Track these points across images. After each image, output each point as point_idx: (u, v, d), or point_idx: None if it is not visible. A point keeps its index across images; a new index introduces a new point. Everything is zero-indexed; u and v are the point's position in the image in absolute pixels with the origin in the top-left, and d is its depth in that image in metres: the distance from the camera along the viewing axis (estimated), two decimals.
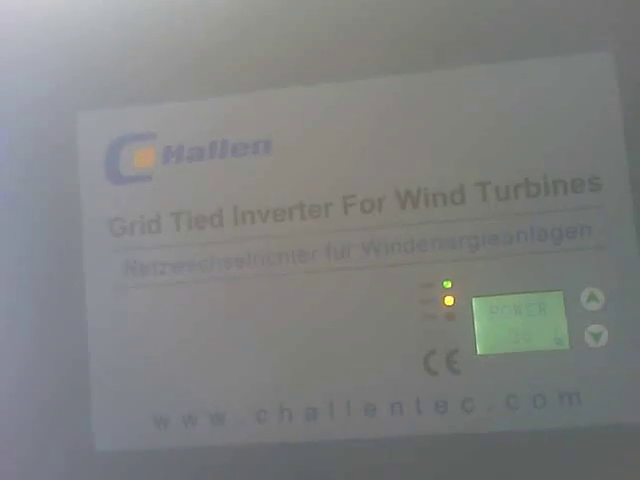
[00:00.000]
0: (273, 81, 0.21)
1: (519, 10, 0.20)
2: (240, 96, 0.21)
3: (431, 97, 0.20)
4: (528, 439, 0.19)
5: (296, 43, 0.21)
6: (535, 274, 0.19)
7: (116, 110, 0.22)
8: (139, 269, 0.21)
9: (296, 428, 0.20)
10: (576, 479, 0.19)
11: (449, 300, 0.19)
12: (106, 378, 0.21)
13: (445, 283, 0.20)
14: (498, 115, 0.20)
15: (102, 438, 0.21)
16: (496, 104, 0.20)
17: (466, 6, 0.20)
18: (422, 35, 0.20)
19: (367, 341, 0.20)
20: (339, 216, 0.20)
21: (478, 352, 0.19)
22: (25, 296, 0.22)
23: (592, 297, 0.19)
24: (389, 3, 0.21)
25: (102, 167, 0.22)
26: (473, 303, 0.19)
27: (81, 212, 0.22)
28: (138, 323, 0.21)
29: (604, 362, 0.19)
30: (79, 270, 0.21)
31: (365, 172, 0.20)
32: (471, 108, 0.20)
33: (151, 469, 0.21)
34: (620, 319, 0.19)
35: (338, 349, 0.20)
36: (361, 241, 0.20)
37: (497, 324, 0.19)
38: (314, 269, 0.20)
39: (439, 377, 0.19)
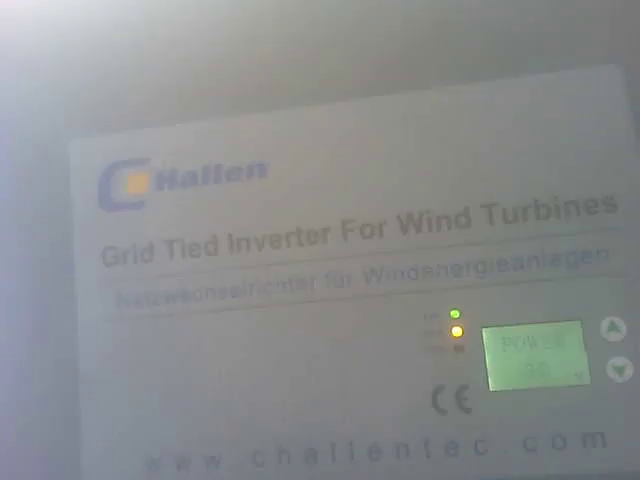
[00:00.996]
0: (268, 103, 0.20)
1: (525, 23, 0.18)
2: (234, 119, 0.20)
3: (433, 116, 0.19)
4: None
5: (291, 64, 0.20)
6: (550, 302, 0.17)
7: (108, 136, 0.21)
8: (132, 300, 0.20)
9: (295, 471, 0.18)
10: None
11: (457, 331, 0.18)
12: (96, 414, 0.19)
13: (452, 312, 0.18)
14: (504, 133, 0.18)
15: (91, 479, 0.19)
16: (502, 121, 0.18)
17: (470, 19, 0.19)
18: (421, 53, 0.19)
19: (370, 377, 0.18)
20: (338, 242, 0.19)
21: (491, 388, 0.17)
22: (16, 326, 0.20)
23: (613, 327, 0.17)
24: (384, 21, 0.19)
25: (95, 194, 0.21)
26: (483, 334, 0.17)
27: (73, 242, 0.20)
28: (131, 357, 0.19)
29: (630, 398, 0.17)
30: (71, 301, 0.20)
31: (364, 195, 0.19)
32: (475, 126, 0.18)
33: None
34: None
35: (339, 385, 0.18)
36: (361, 268, 0.18)
37: (510, 357, 0.17)
38: (313, 298, 0.19)
39: (448, 416, 0.17)
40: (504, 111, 0.18)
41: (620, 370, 0.17)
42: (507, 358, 0.17)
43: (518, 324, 0.17)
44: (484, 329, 0.17)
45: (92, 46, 0.21)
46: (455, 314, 0.18)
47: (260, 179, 0.20)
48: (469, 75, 0.19)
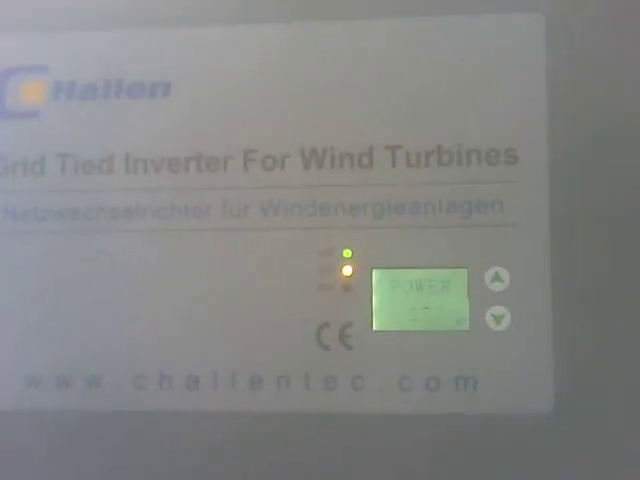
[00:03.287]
0: (179, 18, 0.17)
1: None
2: (141, 31, 0.17)
3: (346, 49, 0.17)
4: (419, 423, 0.16)
5: None
6: (440, 249, 0.16)
7: (4, 39, 0.18)
8: (19, 214, 0.18)
9: (176, 396, 0.17)
10: (465, 466, 0.16)
11: (348, 270, 0.16)
12: None
13: (345, 252, 0.17)
14: (415, 74, 0.17)
15: None
16: (413, 62, 0.17)
17: None
18: None
19: (257, 308, 0.17)
20: (238, 172, 0.17)
21: (374, 328, 0.16)
22: None
23: (497, 277, 0.16)
24: None
25: None
26: (373, 275, 0.16)
27: None
28: (13, 273, 0.17)
29: (503, 346, 0.16)
30: None
31: (269, 126, 0.17)
32: (386, 64, 0.17)
33: (22, 431, 0.17)
34: (524, 302, 0.16)
35: (225, 315, 0.17)
36: (260, 200, 0.17)
37: (397, 299, 0.16)
38: (207, 227, 0.17)
39: (331, 351, 0.16)
40: (418, 53, 0.17)
41: (498, 319, 0.16)
42: (394, 300, 0.16)
43: (408, 267, 0.16)
44: (374, 270, 0.16)
45: None
46: (347, 253, 0.17)
47: (163, 98, 0.17)
48: (388, 11, 0.17)
